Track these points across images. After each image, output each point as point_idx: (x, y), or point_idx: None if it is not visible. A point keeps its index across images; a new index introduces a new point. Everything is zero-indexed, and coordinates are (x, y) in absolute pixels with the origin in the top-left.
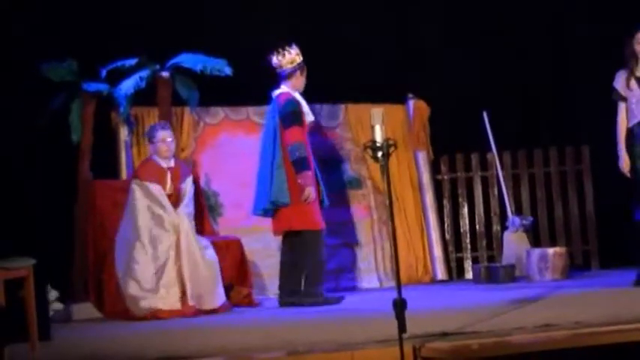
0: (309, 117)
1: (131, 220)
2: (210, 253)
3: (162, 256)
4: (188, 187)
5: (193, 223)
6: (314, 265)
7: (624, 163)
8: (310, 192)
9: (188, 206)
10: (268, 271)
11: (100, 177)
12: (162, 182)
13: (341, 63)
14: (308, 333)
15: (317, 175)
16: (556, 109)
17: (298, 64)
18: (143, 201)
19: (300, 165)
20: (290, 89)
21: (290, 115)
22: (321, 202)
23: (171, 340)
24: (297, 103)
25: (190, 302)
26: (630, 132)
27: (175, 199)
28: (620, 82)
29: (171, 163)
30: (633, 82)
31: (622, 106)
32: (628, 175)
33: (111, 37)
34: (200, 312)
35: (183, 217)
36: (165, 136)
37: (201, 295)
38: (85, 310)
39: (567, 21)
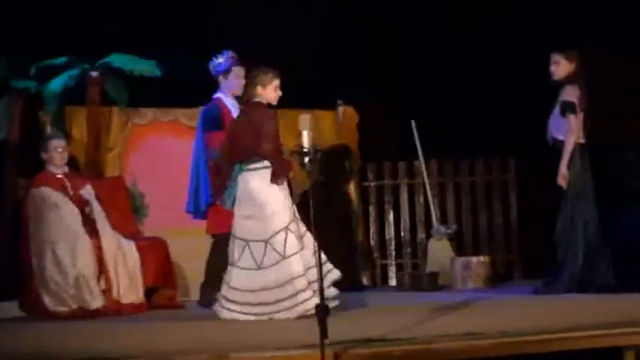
0: None
1: (38, 227)
2: (131, 251)
3: (76, 256)
4: (88, 190)
5: (107, 223)
6: (213, 267)
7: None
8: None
9: (95, 207)
10: (194, 274)
11: (27, 175)
12: (61, 187)
13: (272, 67)
14: (231, 337)
15: None
16: (483, 121)
17: (222, 67)
18: (45, 208)
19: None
20: (221, 93)
21: (207, 119)
22: None
23: (95, 340)
24: (218, 109)
25: (112, 297)
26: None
27: (78, 203)
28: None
29: (66, 170)
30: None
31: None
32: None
33: (42, 35)
34: (121, 307)
35: (97, 216)
36: (58, 145)
37: (122, 289)
38: (6, 309)
39: (489, 30)
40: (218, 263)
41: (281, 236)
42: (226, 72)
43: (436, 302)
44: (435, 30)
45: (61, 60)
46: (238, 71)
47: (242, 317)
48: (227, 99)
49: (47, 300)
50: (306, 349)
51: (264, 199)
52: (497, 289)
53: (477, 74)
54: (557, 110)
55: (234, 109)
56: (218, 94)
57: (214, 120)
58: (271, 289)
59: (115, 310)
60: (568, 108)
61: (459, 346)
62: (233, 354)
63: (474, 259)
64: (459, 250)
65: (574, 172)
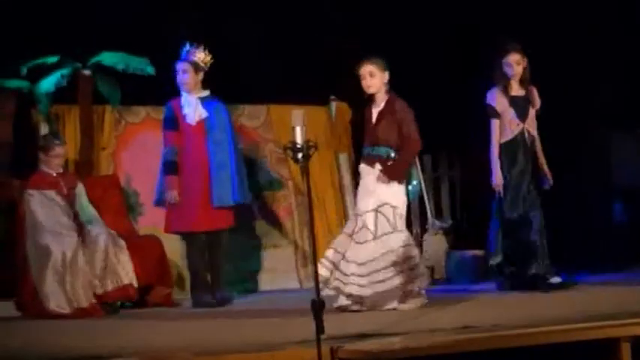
0: (191, 118)
1: (34, 228)
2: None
3: (69, 256)
4: (82, 192)
5: (101, 222)
6: (189, 268)
7: (497, 179)
8: (171, 196)
9: (89, 208)
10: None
11: (20, 175)
12: (56, 188)
13: (265, 63)
14: (227, 333)
15: (211, 175)
16: (475, 114)
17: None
18: (40, 208)
19: (164, 168)
20: (183, 91)
21: (163, 121)
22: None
23: (87, 339)
24: (170, 109)
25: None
26: (502, 148)
27: (72, 202)
28: (494, 99)
29: (60, 170)
30: (507, 101)
31: (496, 123)
32: (500, 190)
33: (33, 34)
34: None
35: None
36: (60, 152)
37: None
38: (2, 308)
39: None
40: (195, 264)
41: None
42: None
43: (431, 296)
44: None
45: (53, 59)
46: (178, 67)
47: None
48: (187, 96)
49: (43, 299)
50: (303, 344)
51: None
52: (492, 283)
53: (470, 69)
54: (533, 110)
55: (189, 104)
56: (182, 92)
57: (167, 121)
58: None
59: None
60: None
61: (454, 340)
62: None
63: (469, 252)
64: (454, 244)
65: None
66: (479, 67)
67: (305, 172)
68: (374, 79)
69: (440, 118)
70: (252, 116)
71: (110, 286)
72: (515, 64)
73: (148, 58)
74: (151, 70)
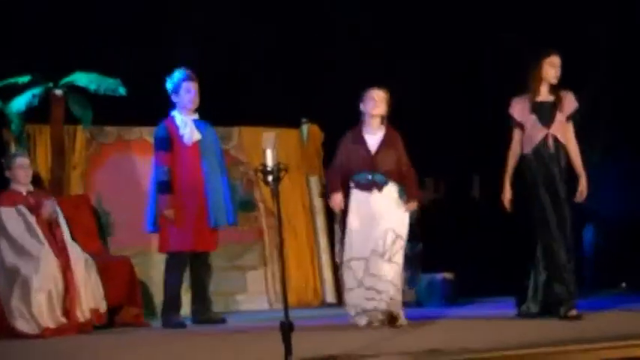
0: (188, 138)
1: (4, 245)
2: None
3: (41, 274)
4: (55, 209)
5: (74, 244)
6: (168, 288)
7: (504, 194)
8: (168, 214)
9: (65, 226)
10: (160, 292)
11: None
12: (25, 207)
13: (237, 85)
14: (196, 355)
15: (207, 195)
16: (448, 139)
17: (173, 85)
18: (8, 226)
19: (158, 188)
20: (176, 110)
21: (155, 140)
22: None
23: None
24: (165, 128)
25: (75, 317)
26: (524, 158)
27: (42, 221)
28: (516, 108)
29: (30, 188)
30: (532, 108)
31: (517, 134)
32: (507, 207)
33: (4, 54)
34: (82, 326)
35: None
36: (22, 162)
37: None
38: None
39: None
40: (176, 284)
41: None
42: (177, 89)
43: None
44: (393, 46)
45: (25, 78)
46: (186, 85)
47: None
48: (180, 116)
49: (10, 318)
50: None
51: None
52: (461, 307)
53: (448, 93)
54: (561, 115)
55: (185, 125)
56: (173, 112)
57: (160, 140)
58: None
59: (75, 329)
60: (577, 115)
61: None
62: None
63: (440, 275)
64: (425, 267)
65: None
66: (456, 91)
67: (275, 194)
68: (383, 104)
69: (411, 141)
70: (224, 138)
71: (80, 308)
72: (558, 65)
73: (120, 79)
74: (123, 91)
